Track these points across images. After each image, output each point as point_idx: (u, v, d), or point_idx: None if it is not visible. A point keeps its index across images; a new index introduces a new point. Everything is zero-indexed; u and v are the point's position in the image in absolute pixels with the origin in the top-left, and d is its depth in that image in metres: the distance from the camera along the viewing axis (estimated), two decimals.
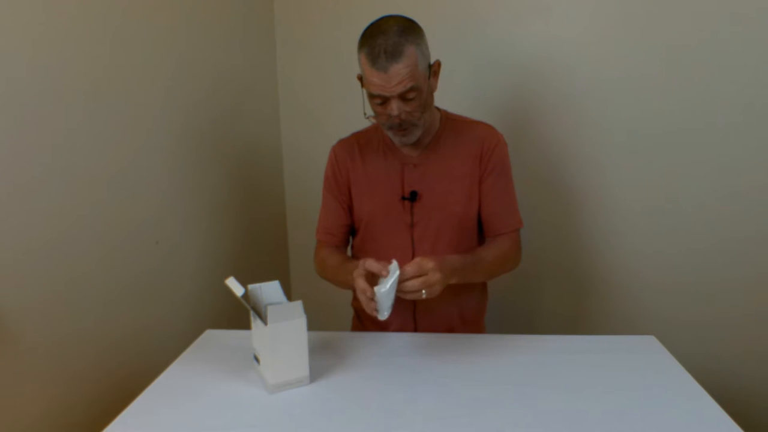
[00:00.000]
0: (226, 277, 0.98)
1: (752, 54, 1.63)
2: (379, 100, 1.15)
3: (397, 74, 1.09)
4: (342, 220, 1.35)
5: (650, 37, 1.68)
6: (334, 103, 1.96)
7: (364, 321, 1.42)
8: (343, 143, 1.37)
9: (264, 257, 1.97)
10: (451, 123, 1.31)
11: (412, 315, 1.31)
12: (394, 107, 1.13)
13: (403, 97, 1.13)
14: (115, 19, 1.22)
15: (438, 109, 1.32)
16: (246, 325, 1.11)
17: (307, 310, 1.01)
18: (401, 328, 1.31)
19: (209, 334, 1.27)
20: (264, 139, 1.96)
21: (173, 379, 1.08)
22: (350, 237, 1.40)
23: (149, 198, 1.35)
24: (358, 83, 1.21)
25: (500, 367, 1.09)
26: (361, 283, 1.04)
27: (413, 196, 1.26)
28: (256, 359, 1.07)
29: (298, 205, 2.09)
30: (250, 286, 1.04)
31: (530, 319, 1.94)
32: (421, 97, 1.15)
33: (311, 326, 1.04)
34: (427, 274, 1.02)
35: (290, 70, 1.99)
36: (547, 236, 1.86)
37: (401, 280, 1.01)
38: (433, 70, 1.20)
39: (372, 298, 1.02)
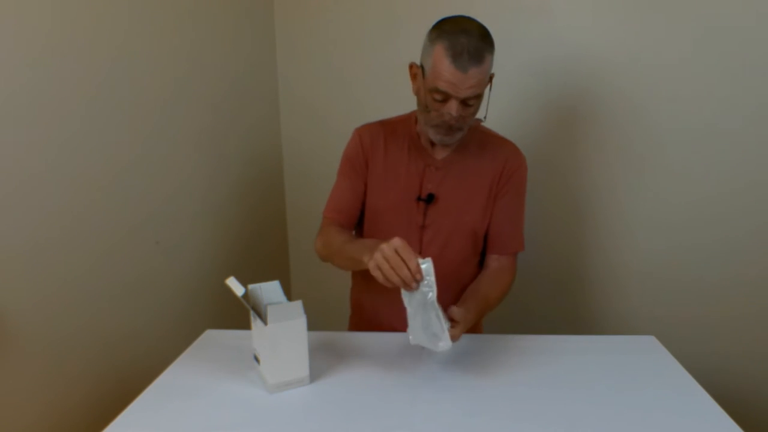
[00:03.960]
0: (226, 277, 0.98)
1: (755, 56, 1.63)
2: (441, 97, 1.11)
3: (473, 78, 1.07)
4: (355, 202, 1.31)
5: (652, 36, 1.68)
6: (333, 103, 1.96)
7: (362, 318, 1.41)
8: (369, 128, 1.33)
9: (264, 257, 1.97)
10: (479, 134, 1.30)
11: None
12: (454, 108, 1.11)
13: (465, 101, 1.11)
14: (115, 20, 1.22)
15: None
16: (246, 325, 1.11)
17: (307, 310, 1.01)
18: (402, 328, 1.30)
19: (209, 334, 1.27)
20: (264, 139, 1.96)
21: (173, 379, 1.08)
22: (357, 221, 1.36)
23: (149, 198, 1.35)
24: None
25: (500, 367, 1.09)
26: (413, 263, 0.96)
27: (429, 199, 1.25)
28: (256, 359, 1.07)
29: (299, 204, 2.09)
30: (250, 286, 1.04)
31: (529, 319, 1.94)
32: (479, 104, 1.14)
33: (311, 326, 1.03)
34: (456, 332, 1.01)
35: (290, 70, 1.99)
36: (546, 237, 1.86)
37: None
38: (490, 81, 1.17)
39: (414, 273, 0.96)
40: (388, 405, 0.96)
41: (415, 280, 0.96)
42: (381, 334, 1.26)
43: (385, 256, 0.97)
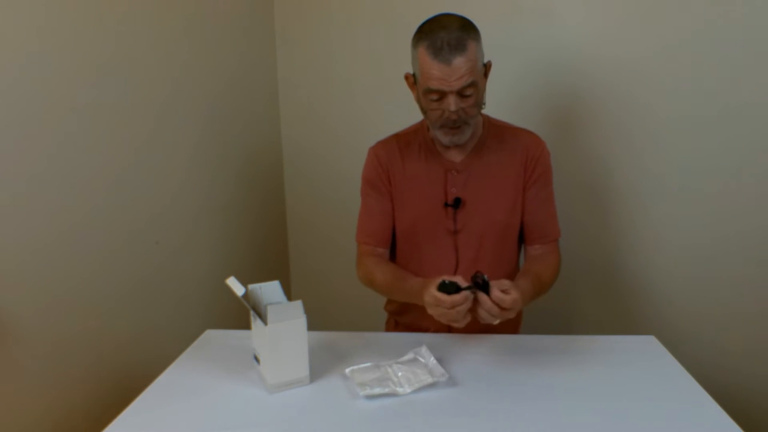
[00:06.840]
0: (227, 277, 0.98)
1: (752, 53, 1.63)
2: (436, 96, 1.12)
3: (460, 68, 1.07)
4: (386, 222, 1.30)
5: (657, 36, 1.68)
6: (334, 103, 1.96)
7: (400, 325, 1.40)
8: (383, 145, 1.32)
9: (264, 257, 1.97)
10: (495, 128, 1.28)
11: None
12: (452, 103, 1.10)
13: (461, 93, 1.10)
14: (116, 19, 1.22)
15: (480, 113, 1.28)
16: (246, 325, 1.11)
17: (307, 311, 1.01)
18: (437, 331, 1.28)
19: (209, 334, 1.27)
20: (264, 139, 1.96)
21: (173, 379, 1.08)
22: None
23: (149, 198, 1.35)
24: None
25: (500, 367, 1.09)
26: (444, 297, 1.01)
27: (457, 203, 1.24)
28: (256, 359, 1.07)
29: (299, 204, 2.09)
30: (250, 286, 1.04)
31: (530, 320, 1.93)
32: (477, 94, 1.13)
33: (311, 326, 1.04)
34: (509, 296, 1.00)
35: (290, 70, 1.99)
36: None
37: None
38: (486, 69, 1.18)
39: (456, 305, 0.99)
40: (388, 405, 0.96)
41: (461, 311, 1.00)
42: (381, 334, 1.27)
43: (440, 314, 1.02)
